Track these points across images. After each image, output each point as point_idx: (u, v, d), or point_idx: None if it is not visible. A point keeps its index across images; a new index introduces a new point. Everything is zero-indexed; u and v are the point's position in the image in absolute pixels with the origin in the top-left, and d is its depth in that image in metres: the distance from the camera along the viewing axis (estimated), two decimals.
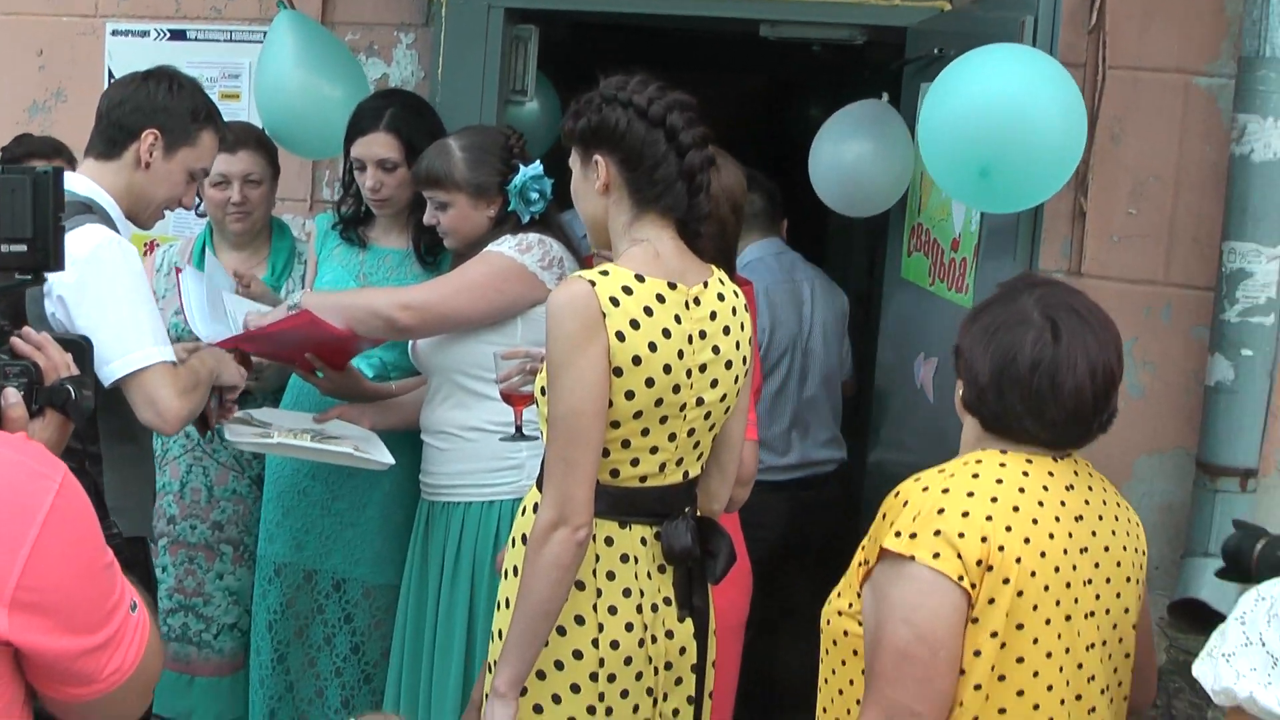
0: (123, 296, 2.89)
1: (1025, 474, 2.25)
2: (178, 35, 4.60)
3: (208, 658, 4.07)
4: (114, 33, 4.70)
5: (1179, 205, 3.80)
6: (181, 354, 3.06)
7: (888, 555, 2.20)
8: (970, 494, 2.20)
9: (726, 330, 2.68)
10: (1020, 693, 2.18)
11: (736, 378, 2.71)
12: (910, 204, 4.05)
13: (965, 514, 2.17)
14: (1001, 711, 2.18)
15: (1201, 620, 3.74)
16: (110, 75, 4.63)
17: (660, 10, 4.25)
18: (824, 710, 2.42)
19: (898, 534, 2.20)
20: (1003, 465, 2.25)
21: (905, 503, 2.24)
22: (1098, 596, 2.27)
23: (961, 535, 2.15)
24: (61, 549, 1.64)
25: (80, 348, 2.17)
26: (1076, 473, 2.34)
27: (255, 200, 3.97)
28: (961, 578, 2.14)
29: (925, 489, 2.24)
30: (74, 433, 2.85)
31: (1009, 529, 2.16)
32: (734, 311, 2.71)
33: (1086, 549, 2.26)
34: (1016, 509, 2.19)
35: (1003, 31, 3.37)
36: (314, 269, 3.88)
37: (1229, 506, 3.72)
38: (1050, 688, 2.20)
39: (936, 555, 2.15)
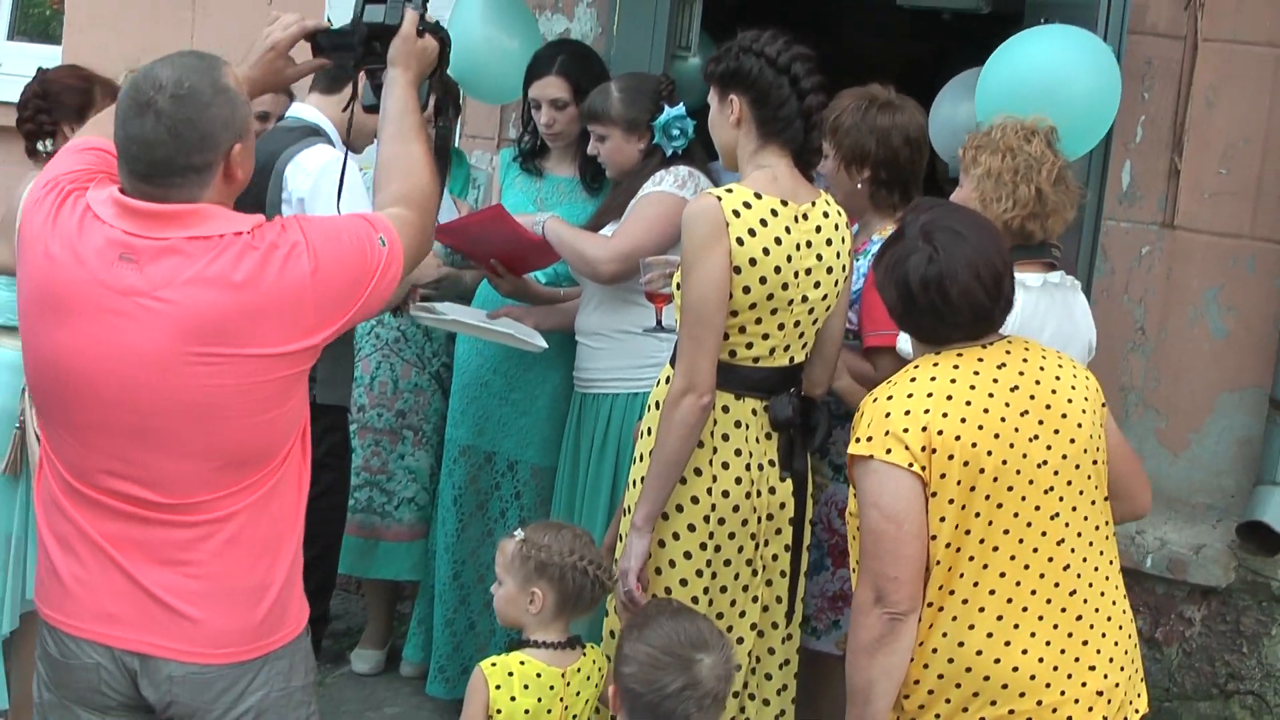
0: (346, 202, 3.39)
1: (955, 367, 2.72)
2: None
3: (389, 525, 4.71)
4: None
5: (1266, 166, 4.22)
6: None
7: (854, 459, 2.71)
8: (909, 395, 2.69)
9: (829, 242, 3.24)
10: (981, 540, 2.68)
11: (836, 281, 3.27)
12: None
13: (907, 412, 2.66)
14: (971, 559, 2.68)
15: (1269, 542, 4.16)
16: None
17: None
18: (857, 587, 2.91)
19: (857, 440, 2.70)
20: (935, 365, 2.74)
21: (861, 414, 2.75)
22: (1049, 447, 2.72)
23: (906, 430, 2.64)
24: (330, 267, 2.41)
25: None
26: (1009, 351, 2.78)
27: None
28: (911, 464, 2.63)
29: (875, 400, 2.75)
30: None
31: (945, 415, 2.65)
32: (835, 227, 3.27)
33: (1027, 411, 2.71)
34: (950, 397, 2.66)
35: (1086, 6, 3.83)
36: (498, 196, 4.48)
37: None
38: (1006, 531, 2.68)
39: (889, 451, 2.64)
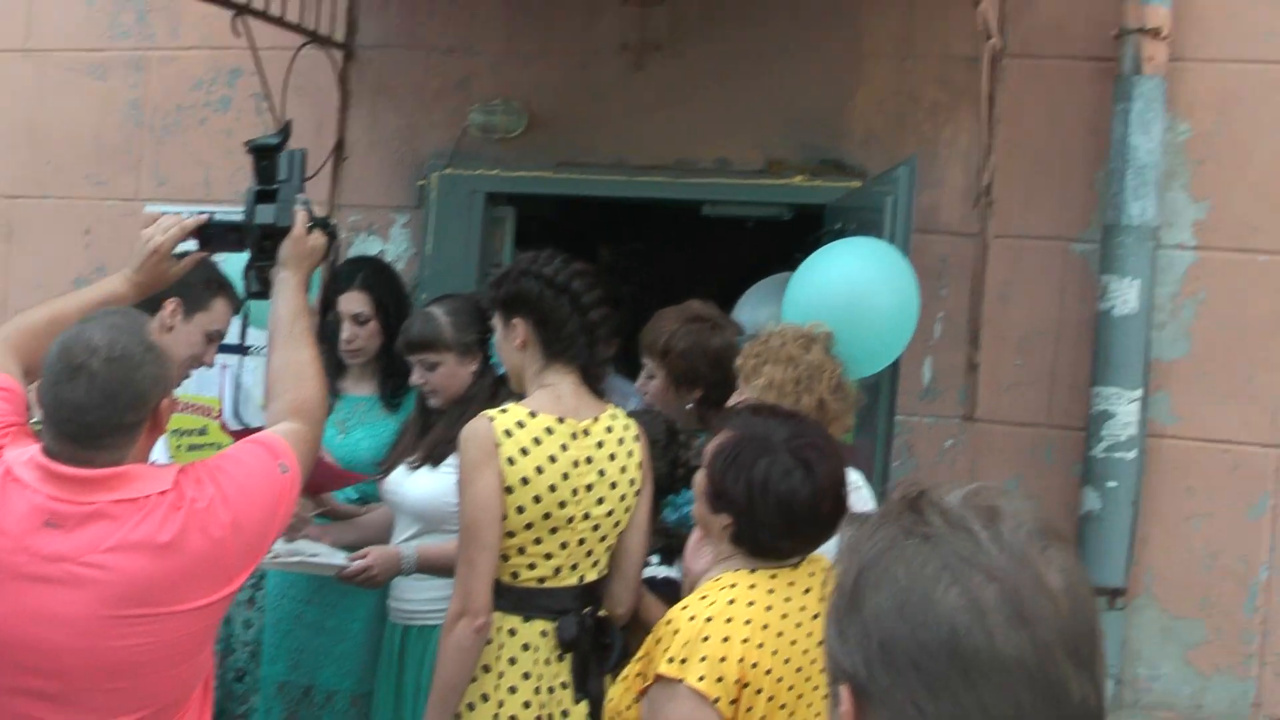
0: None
1: (771, 591, 2.61)
2: None
3: None
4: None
5: (1058, 356, 4.32)
6: None
7: (662, 678, 2.52)
8: (728, 620, 2.54)
9: (613, 457, 3.22)
10: None
11: (623, 496, 3.24)
12: None
13: (725, 639, 2.51)
14: None
15: None
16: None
17: (618, 194, 4.86)
18: None
19: (670, 659, 2.51)
20: (752, 586, 2.60)
21: (675, 630, 2.55)
22: (823, 670, 2.64)
23: (723, 659, 2.49)
24: (246, 515, 2.42)
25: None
26: (813, 574, 2.71)
27: None
28: (718, 699, 2.47)
29: (691, 617, 2.55)
30: None
31: (760, 645, 2.54)
32: (621, 441, 3.25)
33: (812, 633, 2.63)
34: (766, 626, 2.55)
35: (876, 210, 3.93)
36: None
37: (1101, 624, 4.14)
38: None
39: (701, 678, 2.48)
